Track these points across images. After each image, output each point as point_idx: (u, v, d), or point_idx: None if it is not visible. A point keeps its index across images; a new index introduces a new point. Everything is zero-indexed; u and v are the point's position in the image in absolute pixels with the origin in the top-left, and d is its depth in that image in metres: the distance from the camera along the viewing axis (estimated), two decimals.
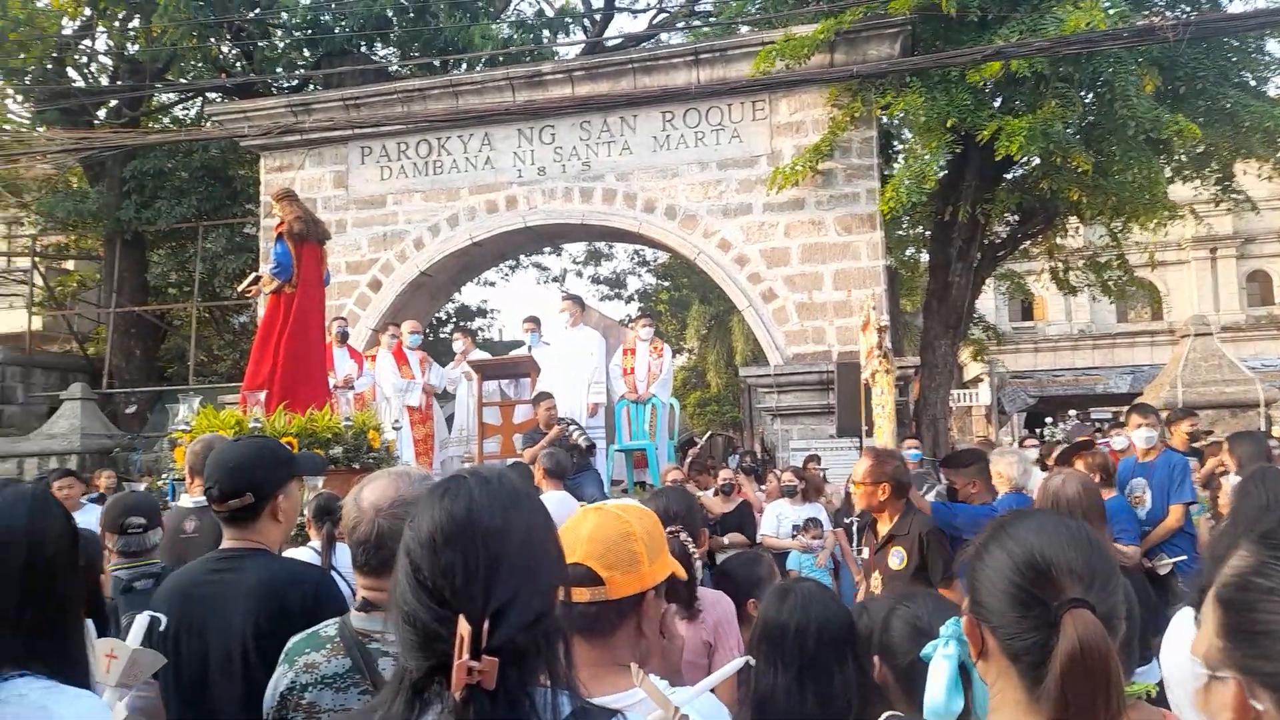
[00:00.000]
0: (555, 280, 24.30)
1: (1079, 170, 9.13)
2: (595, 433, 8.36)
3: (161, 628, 2.00)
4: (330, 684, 1.74)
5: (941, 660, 1.28)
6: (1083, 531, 1.18)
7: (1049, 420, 22.62)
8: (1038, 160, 10.26)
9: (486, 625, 0.99)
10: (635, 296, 26.05)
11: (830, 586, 4.89)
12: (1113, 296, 15.67)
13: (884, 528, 3.92)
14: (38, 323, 15.43)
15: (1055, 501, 3.32)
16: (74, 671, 1.39)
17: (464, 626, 0.98)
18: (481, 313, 21.93)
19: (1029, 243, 13.86)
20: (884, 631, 1.86)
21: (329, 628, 1.83)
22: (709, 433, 16.48)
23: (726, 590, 2.89)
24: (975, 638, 1.18)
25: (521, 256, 20.31)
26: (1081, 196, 10.07)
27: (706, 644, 2.71)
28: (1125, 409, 6.29)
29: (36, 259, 15.59)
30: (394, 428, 8.21)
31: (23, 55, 13.57)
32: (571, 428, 7.66)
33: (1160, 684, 1.60)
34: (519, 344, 11.24)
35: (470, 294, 20.76)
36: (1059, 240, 14.09)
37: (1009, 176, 11.75)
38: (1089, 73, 9.45)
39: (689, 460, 8.36)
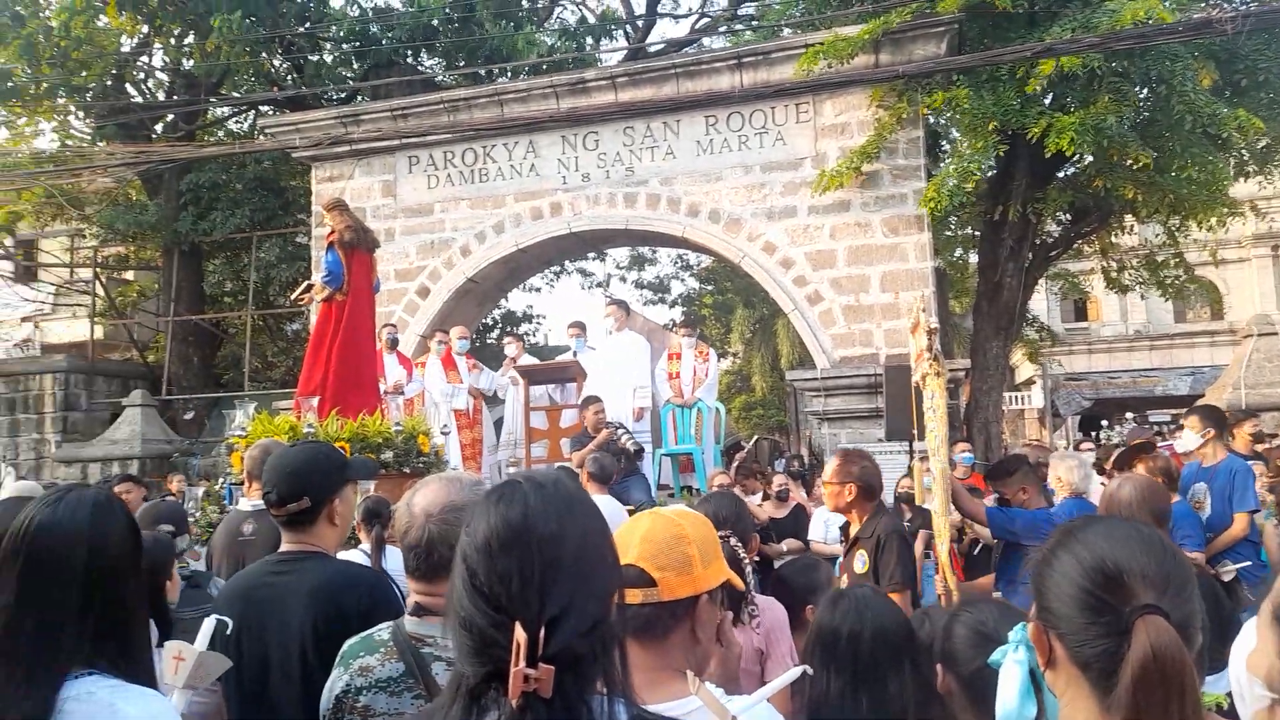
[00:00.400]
0: (599, 285, 24.41)
1: (1136, 166, 8.90)
2: (641, 437, 8.37)
3: (228, 632, 2.04)
4: (384, 688, 1.76)
5: (1012, 665, 1.24)
6: (1156, 537, 1.15)
7: (1104, 423, 22.08)
8: (1091, 158, 10.04)
9: (543, 633, 0.98)
10: (679, 301, 26.01)
11: None
12: (1170, 296, 15.25)
13: (853, 529, 3.87)
14: (100, 332, 15.89)
15: (1110, 506, 3.22)
16: (139, 672, 1.42)
17: (520, 634, 0.97)
18: (527, 318, 22.11)
19: (1082, 242, 13.56)
20: (946, 639, 1.81)
21: (383, 632, 1.85)
22: (755, 437, 16.39)
23: (782, 597, 2.86)
24: (1042, 645, 1.15)
25: (566, 262, 20.42)
26: (1137, 194, 9.82)
27: (759, 651, 2.68)
28: (1184, 411, 6.11)
29: (98, 270, 16.08)
30: (442, 432, 8.31)
31: (84, 73, 14.03)
32: (620, 432, 7.68)
33: (1230, 694, 1.55)
34: (564, 349, 11.31)
35: (516, 300, 21.00)
36: (1113, 239, 13.76)
37: (1061, 175, 11.51)
38: (1143, 68, 9.22)
39: (735, 465, 8.32)
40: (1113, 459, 5.81)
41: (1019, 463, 4.52)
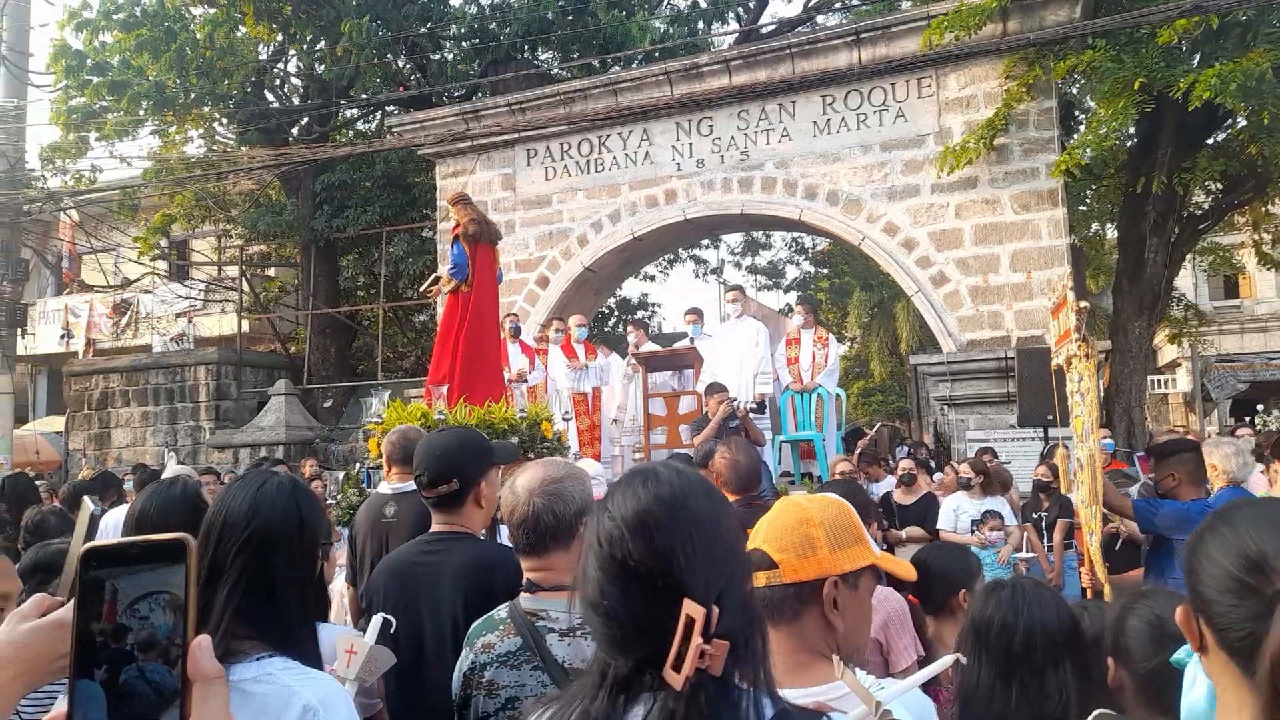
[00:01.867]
0: (713, 272, 24.28)
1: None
2: (761, 422, 8.30)
3: (392, 630, 2.12)
4: (505, 662, 1.85)
5: (1198, 676, 1.22)
6: None
7: (1260, 408, 20.49)
8: (1244, 121, 9.28)
9: (716, 612, 0.96)
10: (793, 285, 25.62)
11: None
12: None
13: None
14: (246, 325, 16.94)
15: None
16: (309, 655, 1.43)
17: (694, 609, 0.95)
18: (643, 306, 22.27)
19: (1234, 213, 12.57)
20: (1119, 633, 1.75)
21: (501, 611, 1.95)
22: (878, 424, 16.01)
23: (928, 583, 2.78)
24: (1192, 630, 1.14)
25: (680, 250, 20.44)
26: None
27: (876, 642, 2.64)
28: None
29: (244, 268, 17.14)
30: (564, 419, 8.48)
31: (227, 82, 14.94)
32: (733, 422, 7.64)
33: None
34: (680, 336, 11.34)
35: (631, 288, 21.14)
36: (1268, 209, 12.70)
37: (1211, 141, 10.71)
38: None
39: (859, 452, 8.16)
40: (1272, 444, 5.38)
41: (1179, 447, 4.21)
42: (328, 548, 2.68)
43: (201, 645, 0.71)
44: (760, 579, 1.38)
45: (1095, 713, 1.30)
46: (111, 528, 4.63)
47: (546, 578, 1.91)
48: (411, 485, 3.03)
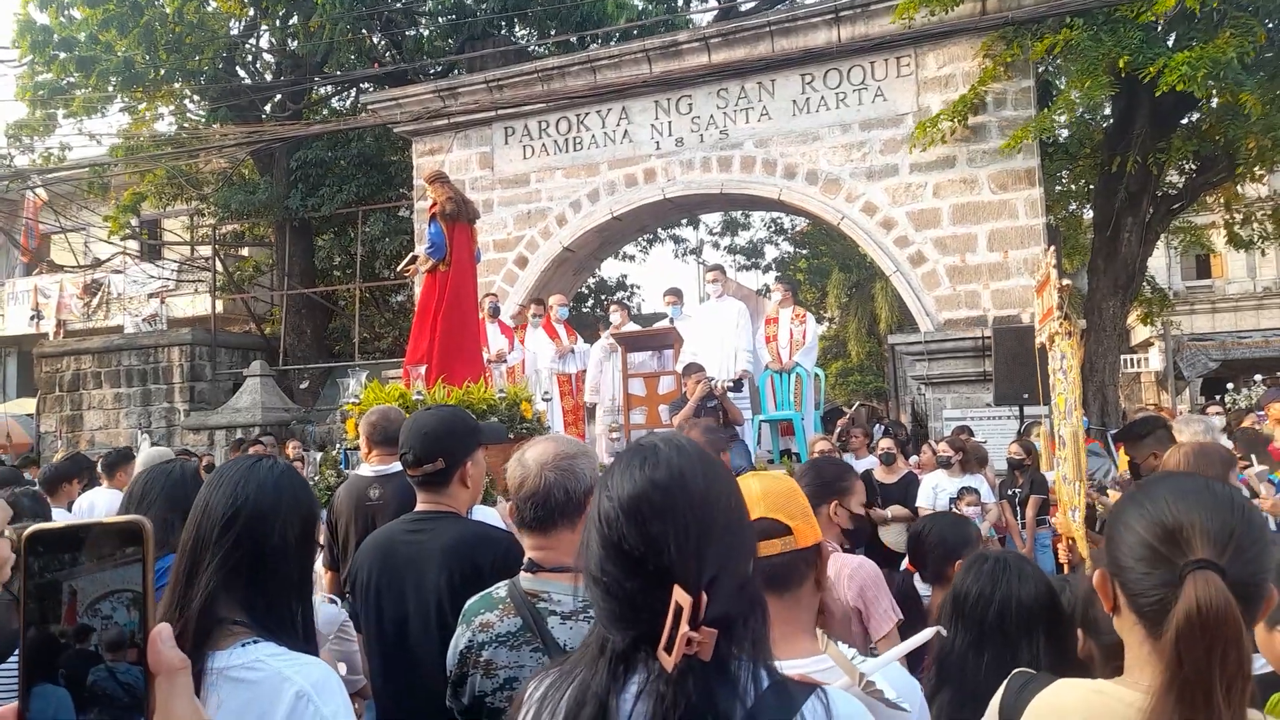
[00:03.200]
0: (692, 253, 24.26)
1: (1247, 112, 8.24)
2: (740, 401, 8.33)
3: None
4: (504, 642, 1.82)
5: None
6: (1227, 495, 1.15)
7: (1230, 386, 20.83)
8: (1215, 104, 9.36)
9: (704, 596, 0.97)
10: (773, 265, 25.66)
11: None
12: None
13: None
14: (220, 306, 16.73)
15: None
16: (299, 639, 1.41)
17: (684, 597, 0.95)
18: (622, 286, 22.22)
19: (1207, 194, 12.70)
20: (1088, 605, 1.79)
21: (500, 589, 1.91)
22: (856, 404, 16.12)
23: (926, 552, 2.81)
24: (1107, 592, 1.20)
25: (659, 229, 20.39)
26: (1256, 142, 9.10)
27: (856, 610, 2.68)
28: None
29: (217, 247, 16.91)
30: (544, 399, 8.47)
31: (197, 58, 14.65)
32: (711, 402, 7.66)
33: None
34: (660, 316, 11.32)
35: (610, 268, 21.10)
36: (1240, 190, 12.83)
37: (1185, 122, 10.80)
38: (1275, 3, 8.53)
39: (838, 432, 8.21)
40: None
41: (1153, 425, 4.27)
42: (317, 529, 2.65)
43: (161, 634, 0.67)
44: (776, 545, 1.41)
45: (1014, 672, 1.35)
46: (86, 510, 4.57)
47: (549, 558, 1.87)
48: (396, 467, 3.01)
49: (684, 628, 0.94)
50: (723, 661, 0.99)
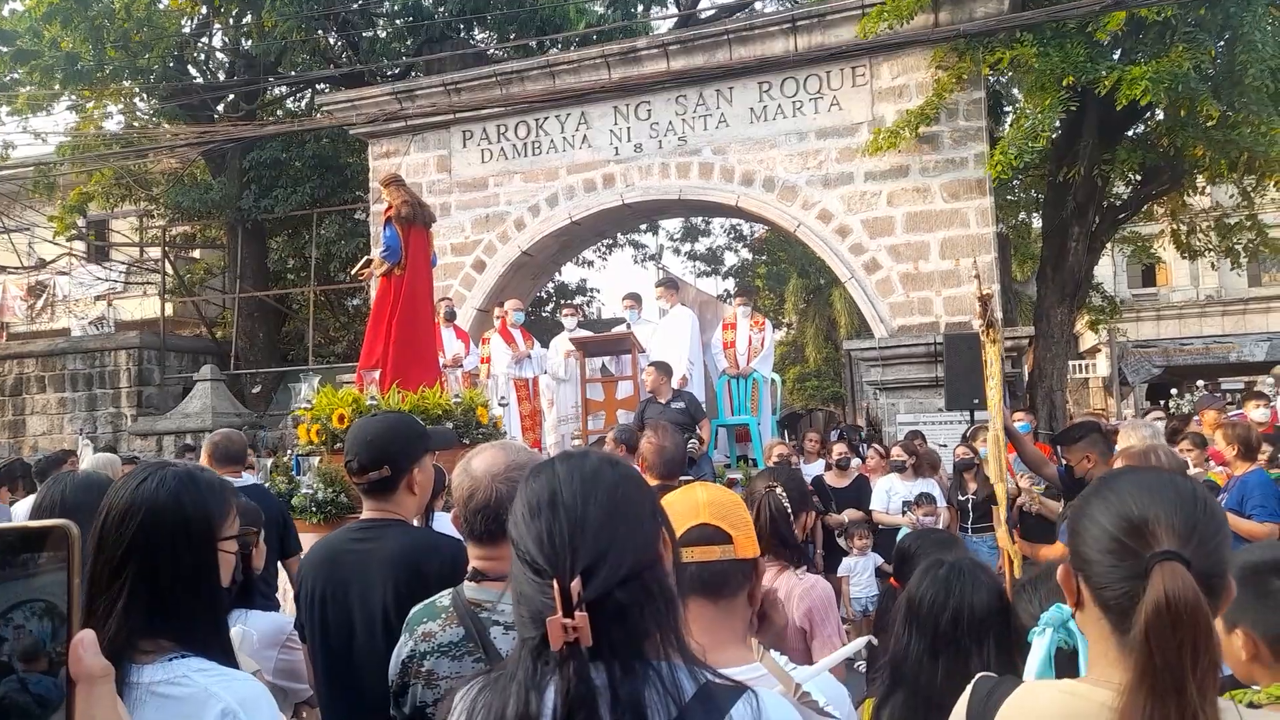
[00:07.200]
0: (652, 258, 24.29)
1: (1204, 122, 8.52)
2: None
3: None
4: (446, 652, 1.81)
5: (1037, 644, 1.37)
6: (1189, 489, 1.17)
7: (1174, 391, 21.40)
8: (1162, 115, 9.62)
9: (578, 584, 1.02)
10: (732, 272, 25.78)
11: None
12: (1240, 262, 14.51)
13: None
14: (170, 309, 16.38)
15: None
16: (220, 653, 1.38)
17: (555, 587, 1.03)
18: (581, 291, 22.17)
19: (1152, 204, 13.04)
20: (1016, 614, 1.86)
21: (444, 598, 1.89)
22: (812, 409, 16.28)
23: (907, 569, 2.79)
24: (1071, 588, 1.20)
25: (619, 235, 20.40)
26: (1206, 153, 9.40)
27: (801, 630, 2.68)
28: (1263, 378, 5.91)
29: (167, 249, 16.55)
30: (500, 404, 8.42)
31: (147, 55, 14.33)
32: (686, 434, 7.65)
33: None
34: (619, 321, 11.33)
35: (570, 273, 21.01)
36: (1185, 200, 13.20)
37: (1131, 134, 11.09)
38: (1220, 18, 8.80)
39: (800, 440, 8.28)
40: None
41: (1086, 429, 4.41)
42: (255, 535, 2.57)
43: (84, 641, 0.67)
44: (715, 552, 1.44)
45: (979, 675, 1.38)
46: (20, 518, 4.44)
47: (493, 567, 1.85)
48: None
49: (558, 613, 1.00)
50: (619, 649, 1.03)
